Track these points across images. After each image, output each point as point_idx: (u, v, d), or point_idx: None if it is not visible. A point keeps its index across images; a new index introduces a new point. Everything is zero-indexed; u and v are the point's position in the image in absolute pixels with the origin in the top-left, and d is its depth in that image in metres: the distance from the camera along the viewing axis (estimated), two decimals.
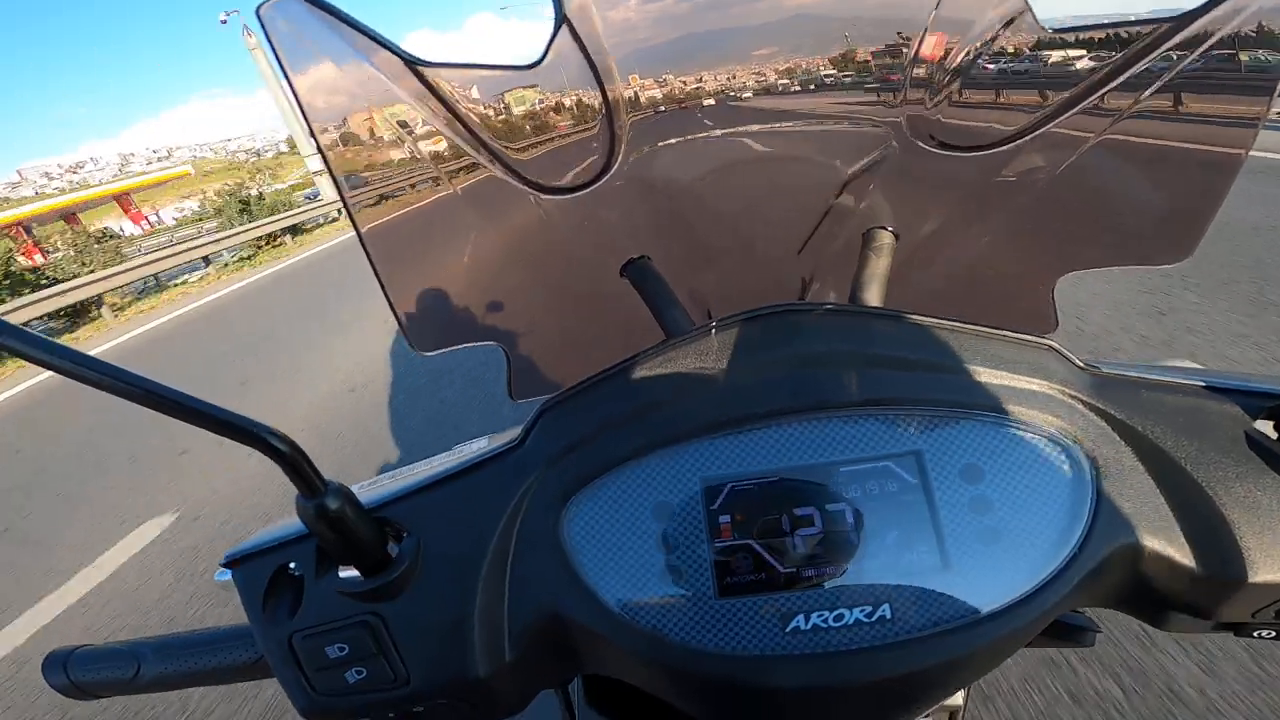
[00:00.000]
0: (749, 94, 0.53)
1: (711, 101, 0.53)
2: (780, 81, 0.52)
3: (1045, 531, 0.32)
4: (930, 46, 0.47)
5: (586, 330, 0.66)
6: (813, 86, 0.52)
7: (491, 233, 0.53)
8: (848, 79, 0.52)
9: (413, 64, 0.41)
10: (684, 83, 0.52)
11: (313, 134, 0.40)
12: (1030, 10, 0.43)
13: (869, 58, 0.51)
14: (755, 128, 0.57)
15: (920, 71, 0.48)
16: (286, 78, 0.37)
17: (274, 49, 0.37)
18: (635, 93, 0.50)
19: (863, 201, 0.57)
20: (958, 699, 0.47)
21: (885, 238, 0.56)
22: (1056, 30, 0.45)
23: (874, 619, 0.31)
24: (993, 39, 0.46)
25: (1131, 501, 0.33)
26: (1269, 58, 0.42)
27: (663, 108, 0.52)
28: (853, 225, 0.58)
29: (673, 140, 0.54)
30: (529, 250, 0.56)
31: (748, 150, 0.58)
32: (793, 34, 0.51)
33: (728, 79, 0.52)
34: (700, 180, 0.59)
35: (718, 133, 0.56)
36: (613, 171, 0.52)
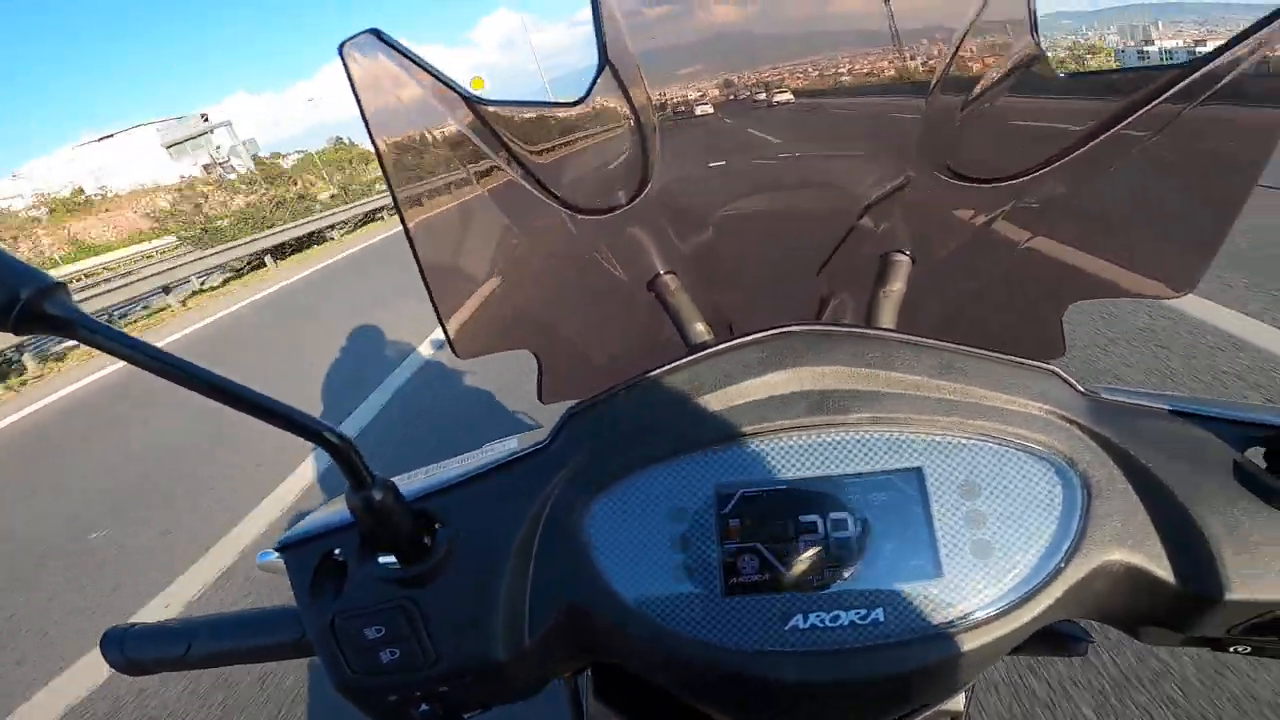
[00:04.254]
0: (777, 104, 0.55)
1: (742, 115, 0.55)
2: (805, 96, 0.55)
3: (1034, 546, 0.34)
4: (943, 93, 0.50)
5: (613, 340, 0.69)
6: (834, 103, 0.55)
7: (529, 246, 0.56)
8: (868, 101, 0.54)
9: (470, 101, 0.45)
10: (712, 92, 0.55)
11: (380, 157, 0.44)
12: (1043, 55, 0.46)
13: (886, 80, 0.53)
14: (781, 156, 0.60)
15: (937, 106, 0.51)
16: (360, 105, 0.41)
17: (350, 78, 0.41)
18: (666, 106, 0.53)
19: (881, 226, 0.59)
20: (959, 703, 0.48)
21: (901, 261, 0.58)
22: (1069, 76, 0.47)
23: (868, 621, 0.33)
24: (1008, 79, 0.48)
25: (1119, 521, 0.34)
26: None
27: (691, 117, 0.54)
28: (871, 248, 0.60)
29: (701, 170, 0.58)
30: (563, 263, 0.60)
31: (773, 176, 0.61)
32: (814, 52, 0.54)
33: (757, 91, 0.55)
34: (726, 203, 0.62)
35: (746, 163, 0.59)
36: (644, 195, 0.55)
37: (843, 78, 0.54)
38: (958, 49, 0.48)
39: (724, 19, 0.53)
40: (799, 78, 0.54)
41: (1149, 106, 0.44)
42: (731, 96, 0.55)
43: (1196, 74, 0.42)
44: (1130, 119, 0.45)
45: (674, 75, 0.54)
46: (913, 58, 0.51)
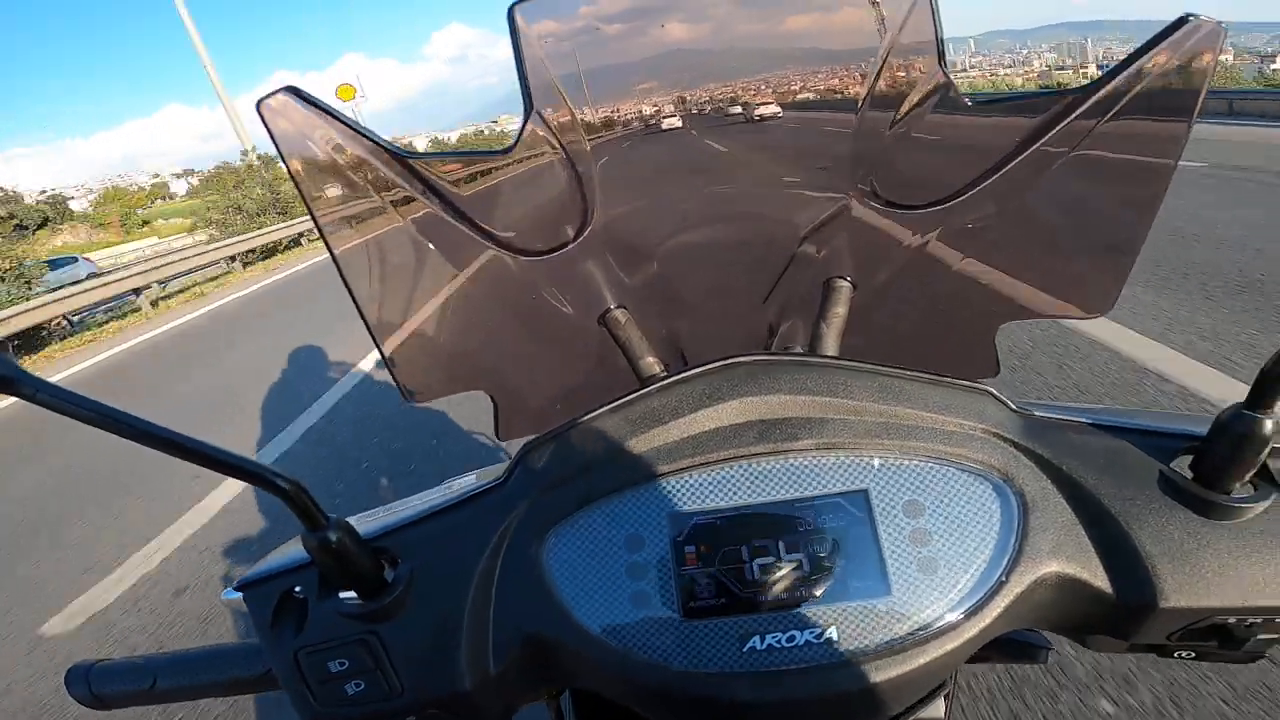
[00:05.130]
0: (758, 118, 0.57)
1: (679, 128, 0.56)
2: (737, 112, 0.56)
3: (977, 560, 0.35)
4: (869, 119, 0.52)
5: (568, 374, 0.69)
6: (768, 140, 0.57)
7: (473, 287, 0.57)
8: (801, 142, 0.56)
9: (396, 155, 0.46)
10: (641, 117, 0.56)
11: (312, 214, 0.44)
12: (954, 86, 0.49)
13: (815, 116, 0.56)
14: (720, 188, 0.62)
15: (863, 139, 0.53)
16: (285, 162, 0.42)
17: (272, 136, 0.42)
18: (600, 137, 0.54)
19: (823, 253, 0.61)
20: (938, 710, 0.49)
21: (843, 287, 0.60)
22: (977, 103, 0.50)
23: (822, 639, 0.34)
24: (922, 111, 0.51)
25: (1055, 534, 0.36)
26: (1173, 114, 0.46)
27: (627, 141, 0.56)
28: (814, 275, 0.62)
29: (641, 203, 0.59)
30: (510, 302, 0.60)
31: (713, 208, 0.63)
32: (755, 73, 0.56)
33: (730, 106, 0.57)
34: (669, 236, 0.64)
35: (683, 195, 0.60)
36: (585, 235, 0.56)
37: (785, 106, 0.55)
38: (874, 84, 0.51)
39: (653, 48, 0.54)
40: (750, 95, 0.56)
41: (1064, 123, 0.47)
42: (694, 111, 0.56)
43: (1100, 91, 0.45)
44: (1047, 136, 0.48)
45: (605, 103, 0.55)
46: (836, 93, 0.54)
